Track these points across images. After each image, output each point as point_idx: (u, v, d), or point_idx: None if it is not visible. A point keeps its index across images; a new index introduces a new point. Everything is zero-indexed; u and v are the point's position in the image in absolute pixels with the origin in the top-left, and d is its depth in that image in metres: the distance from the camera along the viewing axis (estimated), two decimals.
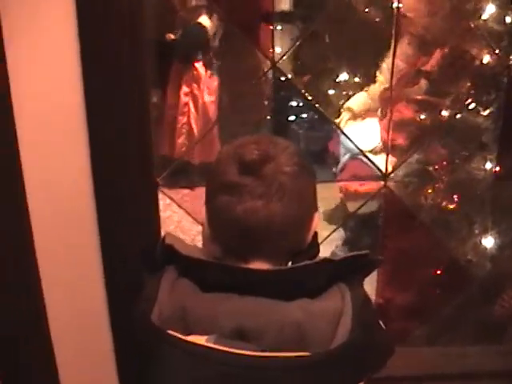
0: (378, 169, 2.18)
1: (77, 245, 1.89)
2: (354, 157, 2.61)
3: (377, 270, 1.45)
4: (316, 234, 1.38)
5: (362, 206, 2.39)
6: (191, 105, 5.06)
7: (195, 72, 5.01)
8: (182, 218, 4.04)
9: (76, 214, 1.86)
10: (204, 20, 4.95)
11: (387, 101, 2.40)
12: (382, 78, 2.54)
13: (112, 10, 1.65)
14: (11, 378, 2.00)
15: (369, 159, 2.24)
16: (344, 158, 2.73)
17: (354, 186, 2.66)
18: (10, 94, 1.68)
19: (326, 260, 1.29)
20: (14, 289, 1.90)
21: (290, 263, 1.32)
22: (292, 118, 4.25)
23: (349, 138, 2.33)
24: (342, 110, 2.72)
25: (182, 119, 5.10)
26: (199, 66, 5.01)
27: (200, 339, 1.22)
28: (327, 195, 2.92)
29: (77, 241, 1.89)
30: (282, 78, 2.41)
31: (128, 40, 1.68)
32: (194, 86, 5.02)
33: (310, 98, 2.34)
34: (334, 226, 2.56)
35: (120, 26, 1.67)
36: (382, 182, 2.17)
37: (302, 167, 1.29)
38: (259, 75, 2.51)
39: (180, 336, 1.23)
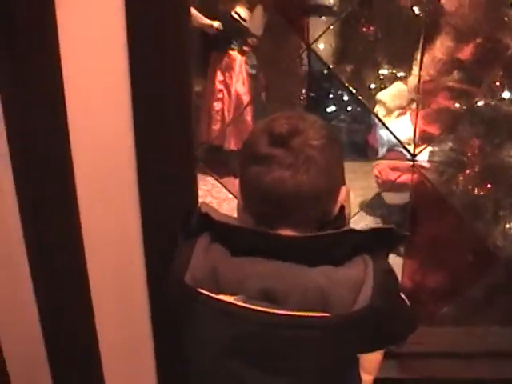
0: (407, 150, 2.26)
1: (118, 208, 1.96)
2: (391, 148, 2.66)
3: (404, 247, 1.51)
4: (343, 207, 1.43)
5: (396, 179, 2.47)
6: (225, 92, 5.13)
7: (229, 60, 5.09)
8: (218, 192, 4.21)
9: (120, 183, 1.93)
10: (240, 10, 5.03)
11: (424, 91, 2.45)
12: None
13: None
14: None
15: (398, 140, 2.33)
16: (382, 150, 2.78)
17: (390, 175, 2.71)
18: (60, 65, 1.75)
19: (351, 230, 1.35)
20: (57, 248, 1.99)
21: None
22: (330, 109, 4.22)
23: (386, 127, 2.42)
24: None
25: (217, 106, 5.17)
26: (234, 54, 5.09)
27: (229, 298, 1.30)
28: (364, 185, 3.01)
29: (118, 206, 1.95)
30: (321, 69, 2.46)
31: (173, 26, 1.75)
32: (227, 74, 5.10)
33: (350, 88, 2.43)
34: (371, 217, 2.66)
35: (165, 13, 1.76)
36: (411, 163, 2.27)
37: (330, 141, 1.35)
38: (294, 57, 2.56)
39: (211, 294, 1.31)
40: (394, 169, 2.67)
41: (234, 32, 5.04)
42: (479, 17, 2.43)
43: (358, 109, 3.51)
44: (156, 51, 1.75)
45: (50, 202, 1.92)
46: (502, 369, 2.24)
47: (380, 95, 2.87)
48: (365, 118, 2.99)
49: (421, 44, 2.29)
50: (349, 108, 3.75)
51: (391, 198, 2.73)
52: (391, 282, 1.41)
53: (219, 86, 5.15)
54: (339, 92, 3.16)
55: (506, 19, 2.34)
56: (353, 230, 1.35)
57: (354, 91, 2.50)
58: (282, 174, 1.28)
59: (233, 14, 4.99)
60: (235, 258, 1.35)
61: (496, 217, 2.50)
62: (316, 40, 2.09)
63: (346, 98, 2.99)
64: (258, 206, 1.37)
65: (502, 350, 2.30)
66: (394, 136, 2.32)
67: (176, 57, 1.78)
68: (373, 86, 2.75)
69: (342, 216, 1.46)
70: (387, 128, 2.37)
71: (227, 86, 5.13)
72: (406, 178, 2.49)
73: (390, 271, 1.41)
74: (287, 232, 1.35)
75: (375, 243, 1.36)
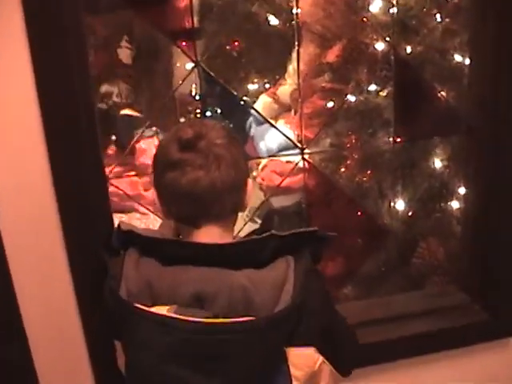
0: (297, 146, 2.47)
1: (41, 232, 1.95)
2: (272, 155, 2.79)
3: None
4: None
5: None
6: None
7: None
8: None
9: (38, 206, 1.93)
10: None
11: (297, 97, 2.64)
12: (290, 80, 2.74)
13: None
14: None
15: (288, 138, 2.53)
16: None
17: (275, 179, 2.78)
18: None
19: (272, 235, 1.47)
20: None
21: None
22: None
23: (274, 126, 2.59)
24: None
25: None
26: None
27: (162, 309, 1.42)
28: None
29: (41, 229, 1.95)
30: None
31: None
32: None
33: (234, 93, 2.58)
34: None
35: None
36: (300, 156, 2.47)
37: (232, 139, 1.51)
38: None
39: (145, 308, 1.42)
40: (278, 173, 2.79)
41: None
42: (339, 22, 2.65)
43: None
44: None
45: None
46: (406, 328, 2.48)
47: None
48: (239, 131, 3.07)
49: (295, 52, 2.49)
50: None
51: (278, 201, 2.86)
52: (313, 281, 1.50)
53: None
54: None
55: (365, 20, 2.57)
56: (274, 235, 1.48)
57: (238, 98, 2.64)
58: (196, 174, 1.43)
59: None
60: (166, 268, 1.47)
61: (382, 197, 2.76)
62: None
63: (218, 111, 3.04)
64: (178, 208, 1.50)
65: (403, 312, 2.55)
66: (284, 135, 2.52)
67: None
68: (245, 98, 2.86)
69: None
70: (276, 128, 2.55)
71: None
72: (290, 180, 2.67)
73: (313, 271, 1.52)
74: (210, 227, 1.50)
75: (298, 245, 1.50)
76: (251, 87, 2.82)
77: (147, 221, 2.74)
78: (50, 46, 1.76)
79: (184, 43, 2.55)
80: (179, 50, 2.59)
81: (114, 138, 2.96)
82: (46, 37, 1.75)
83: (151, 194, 2.84)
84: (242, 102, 2.81)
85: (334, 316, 1.66)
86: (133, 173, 2.75)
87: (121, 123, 3.41)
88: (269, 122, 2.61)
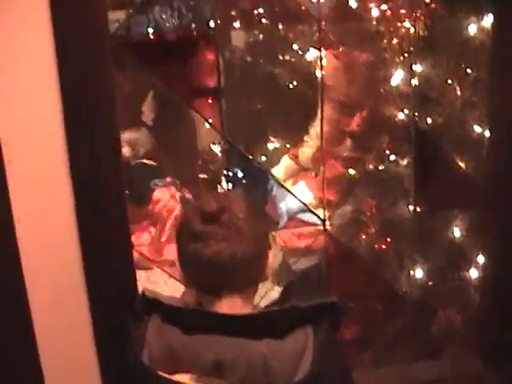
0: (318, 216, 2.52)
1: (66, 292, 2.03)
2: (292, 215, 2.85)
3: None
4: None
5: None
6: None
7: None
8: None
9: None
10: None
11: (319, 160, 2.69)
12: (312, 142, 2.83)
13: None
14: None
15: (309, 209, 2.58)
16: (283, 218, 2.96)
17: (295, 242, 2.87)
18: None
19: (292, 307, 1.48)
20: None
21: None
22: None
23: (291, 193, 2.64)
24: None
25: None
26: None
27: (184, 378, 1.44)
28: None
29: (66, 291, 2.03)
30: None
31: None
32: None
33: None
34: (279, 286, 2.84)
35: None
36: (322, 227, 2.53)
37: (253, 212, 1.54)
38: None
39: (167, 376, 1.44)
40: (299, 235, 2.84)
41: None
42: (361, 90, 2.72)
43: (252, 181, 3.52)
44: None
45: None
46: None
47: (274, 171, 3.02)
48: (259, 191, 3.09)
49: (319, 115, 2.56)
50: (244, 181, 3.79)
51: (298, 263, 2.89)
52: (332, 351, 1.50)
53: None
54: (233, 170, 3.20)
55: (387, 90, 2.63)
56: (294, 307, 1.48)
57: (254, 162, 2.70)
58: (219, 246, 1.44)
59: None
60: (188, 336, 1.48)
61: (400, 266, 2.78)
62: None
63: (240, 174, 3.06)
64: (201, 278, 1.52)
65: (421, 380, 2.56)
66: (302, 202, 2.57)
67: None
68: (264, 158, 2.90)
69: None
70: (293, 195, 2.60)
71: None
72: (309, 241, 2.73)
73: (331, 341, 1.51)
74: (231, 298, 1.50)
75: (317, 316, 1.50)
76: (271, 146, 2.88)
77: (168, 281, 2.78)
78: None
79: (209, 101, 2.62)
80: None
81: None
82: None
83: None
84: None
85: None
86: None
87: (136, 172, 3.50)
88: (285, 188, 2.65)
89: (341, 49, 2.64)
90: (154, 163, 3.64)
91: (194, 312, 1.52)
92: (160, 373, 1.46)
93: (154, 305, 1.57)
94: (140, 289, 1.75)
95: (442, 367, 2.66)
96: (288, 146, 2.96)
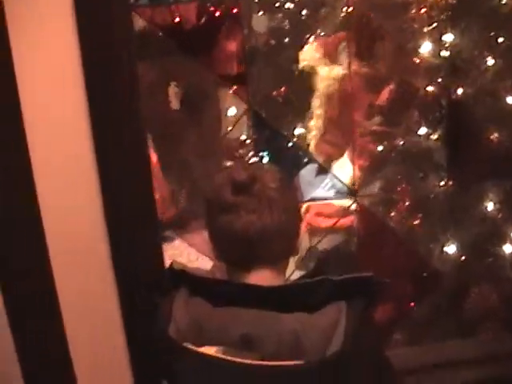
0: (348, 187, 2.50)
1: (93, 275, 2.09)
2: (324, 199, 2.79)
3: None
4: None
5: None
6: None
7: None
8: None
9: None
10: None
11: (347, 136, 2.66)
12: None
13: None
14: None
15: (341, 181, 2.55)
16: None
17: (320, 222, 2.80)
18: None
19: (326, 279, 1.45)
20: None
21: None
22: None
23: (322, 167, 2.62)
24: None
25: None
26: None
27: (210, 350, 1.42)
28: None
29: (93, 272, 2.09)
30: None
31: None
32: None
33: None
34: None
35: None
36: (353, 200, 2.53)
37: (285, 183, 1.52)
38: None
39: (193, 348, 1.43)
40: (331, 213, 2.80)
41: None
42: (390, 63, 2.67)
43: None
44: None
45: None
46: (459, 376, 2.46)
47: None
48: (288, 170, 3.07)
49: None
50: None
51: (325, 242, 2.84)
52: (365, 328, 1.47)
53: None
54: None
55: (416, 62, 2.58)
56: (328, 279, 1.45)
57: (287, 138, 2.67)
58: (250, 218, 1.43)
59: None
60: (216, 309, 1.46)
61: (433, 241, 2.73)
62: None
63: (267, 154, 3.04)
64: (230, 251, 1.50)
65: (456, 359, 2.51)
66: (336, 177, 2.54)
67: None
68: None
69: None
70: (331, 173, 2.60)
71: None
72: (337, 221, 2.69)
73: (365, 318, 1.48)
74: (262, 271, 1.48)
75: (352, 290, 1.45)
76: (300, 131, 2.84)
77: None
78: None
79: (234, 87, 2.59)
80: (229, 93, 2.61)
81: None
82: None
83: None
84: (291, 144, 2.81)
85: (385, 364, 1.61)
86: None
87: None
88: (322, 167, 2.62)
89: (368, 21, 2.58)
90: None
91: (223, 284, 1.51)
92: (185, 344, 1.44)
93: (181, 277, 1.55)
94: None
95: (478, 345, 2.61)
96: (316, 124, 2.89)
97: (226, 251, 1.53)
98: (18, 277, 1.99)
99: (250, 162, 2.58)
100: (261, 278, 1.50)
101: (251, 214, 1.44)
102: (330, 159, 2.84)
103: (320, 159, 2.79)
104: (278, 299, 1.45)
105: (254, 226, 1.43)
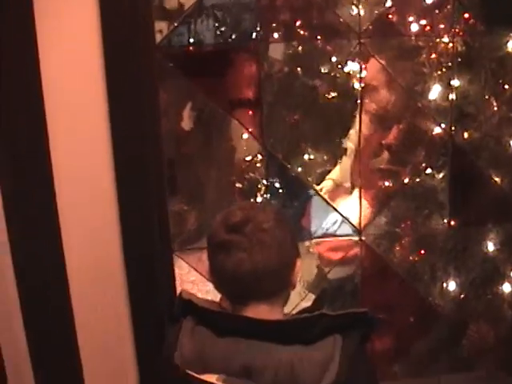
0: (354, 227, 2.57)
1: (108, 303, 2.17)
2: (328, 228, 2.86)
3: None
4: None
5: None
6: None
7: None
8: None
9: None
10: None
11: (356, 172, 2.72)
12: (349, 153, 2.86)
13: None
14: None
15: (345, 218, 2.63)
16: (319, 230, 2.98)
17: (329, 254, 2.88)
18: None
19: (323, 315, 1.51)
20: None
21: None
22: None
23: (328, 203, 2.68)
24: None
25: None
26: None
27: (212, 377, 1.49)
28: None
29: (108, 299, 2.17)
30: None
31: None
32: None
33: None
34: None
35: None
36: (357, 238, 2.58)
37: (279, 222, 1.56)
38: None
39: (195, 375, 1.49)
40: (335, 248, 2.84)
41: None
42: (399, 105, 2.74)
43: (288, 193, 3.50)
44: None
45: None
46: None
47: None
48: (295, 203, 3.09)
49: (357, 127, 2.61)
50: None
51: (333, 273, 2.91)
52: (360, 362, 1.52)
53: None
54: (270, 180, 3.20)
55: (424, 105, 2.66)
56: (325, 315, 1.51)
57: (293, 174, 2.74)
58: (240, 256, 1.48)
59: None
60: (219, 339, 1.53)
61: (434, 278, 2.80)
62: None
63: (277, 184, 3.06)
64: (227, 287, 1.57)
65: None
66: (341, 215, 2.61)
67: None
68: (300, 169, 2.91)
69: None
70: (333, 207, 2.64)
71: None
72: (344, 253, 2.74)
73: (360, 352, 1.53)
74: (257, 305, 1.54)
75: (348, 325, 1.51)
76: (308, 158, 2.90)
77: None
78: None
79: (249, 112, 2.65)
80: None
81: None
82: None
83: None
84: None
85: None
86: None
87: None
88: (331, 206, 2.68)
89: (380, 62, 2.65)
90: None
91: (225, 316, 1.57)
92: (188, 371, 1.51)
93: (189, 306, 1.62)
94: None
95: (473, 381, 2.66)
96: (325, 157, 2.96)
97: (224, 287, 1.60)
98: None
99: (251, 200, 2.65)
100: (257, 312, 1.55)
101: (241, 253, 1.49)
102: (336, 194, 2.91)
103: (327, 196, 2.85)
104: (277, 332, 1.51)
105: (243, 264, 1.49)
